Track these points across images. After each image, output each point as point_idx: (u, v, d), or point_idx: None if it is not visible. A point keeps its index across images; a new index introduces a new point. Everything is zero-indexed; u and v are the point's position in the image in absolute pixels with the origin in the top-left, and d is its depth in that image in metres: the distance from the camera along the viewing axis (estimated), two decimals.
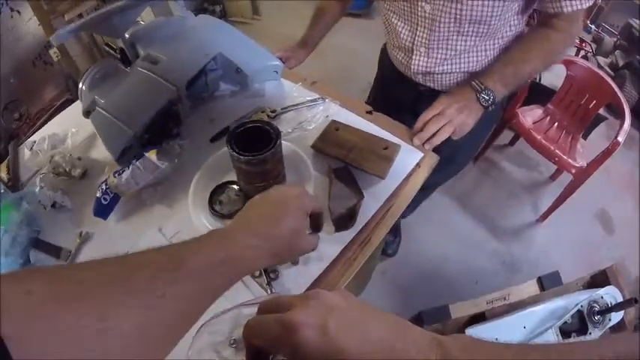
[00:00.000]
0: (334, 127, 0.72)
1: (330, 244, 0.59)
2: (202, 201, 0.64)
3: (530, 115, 1.49)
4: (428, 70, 0.79)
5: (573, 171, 1.36)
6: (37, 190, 0.81)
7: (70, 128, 0.92)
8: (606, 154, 1.27)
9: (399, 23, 0.78)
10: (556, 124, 1.50)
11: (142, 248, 0.60)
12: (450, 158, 0.83)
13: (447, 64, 0.78)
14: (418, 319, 0.68)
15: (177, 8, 0.88)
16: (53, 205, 0.79)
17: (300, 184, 0.51)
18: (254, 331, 0.27)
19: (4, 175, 0.90)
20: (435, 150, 0.72)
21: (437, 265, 1.41)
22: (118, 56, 0.83)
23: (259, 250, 0.35)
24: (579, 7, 0.64)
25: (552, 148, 1.37)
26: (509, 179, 1.69)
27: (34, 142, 0.98)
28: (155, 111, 0.69)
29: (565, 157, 1.37)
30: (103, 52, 1.72)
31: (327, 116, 0.76)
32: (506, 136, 1.72)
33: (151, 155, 0.66)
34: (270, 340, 0.26)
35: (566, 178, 1.47)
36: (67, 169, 0.84)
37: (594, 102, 1.41)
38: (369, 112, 0.78)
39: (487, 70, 0.73)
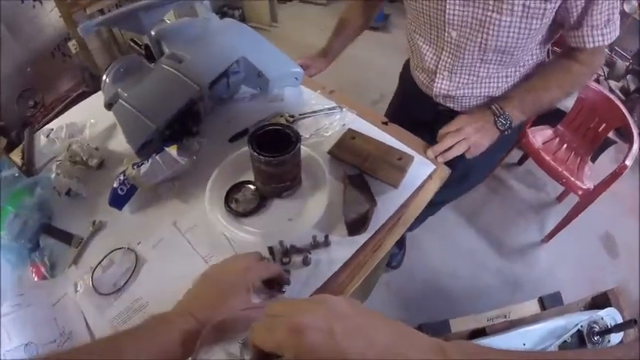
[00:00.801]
0: (351, 135, 0.75)
1: (342, 247, 0.61)
2: (219, 198, 0.67)
3: (540, 135, 1.52)
4: (449, 93, 0.82)
5: (580, 193, 1.38)
6: (53, 176, 0.83)
7: (88, 119, 0.95)
8: (613, 177, 1.29)
9: (424, 46, 0.80)
10: (565, 145, 1.52)
11: (155, 240, 0.66)
12: (463, 176, 0.85)
13: (469, 89, 0.80)
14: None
15: (202, 10, 0.91)
16: (68, 193, 0.81)
17: (255, 253, 0.53)
18: (261, 333, 0.28)
19: (18, 160, 0.92)
20: (449, 167, 0.74)
21: (440, 279, 1.43)
22: (143, 52, 0.86)
23: (196, 334, 0.40)
24: (602, 43, 0.66)
25: (560, 169, 1.40)
26: (517, 198, 1.71)
27: (52, 129, 1.01)
28: (178, 108, 0.72)
29: (572, 178, 1.39)
30: (121, 47, 1.77)
31: (343, 125, 0.78)
32: (515, 155, 1.75)
33: (172, 150, 0.69)
34: (276, 343, 0.26)
35: (572, 199, 1.49)
36: (85, 158, 0.87)
37: (604, 125, 1.43)
38: (385, 123, 0.81)
39: (507, 95, 0.75)
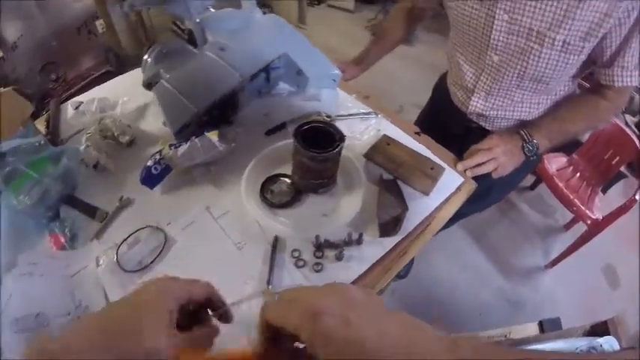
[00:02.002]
0: (386, 141, 0.77)
1: (373, 247, 0.63)
2: (254, 188, 0.69)
3: (555, 162, 1.55)
4: (483, 112, 0.86)
5: (589, 222, 1.41)
6: (82, 148, 0.83)
7: (120, 96, 0.96)
8: (622, 209, 1.33)
9: (464, 65, 0.84)
10: (578, 174, 1.56)
11: (186, 222, 0.62)
12: (485, 193, 0.87)
13: (502, 111, 0.84)
14: None
15: (246, 3, 0.94)
16: (95, 166, 0.81)
17: (166, 276, 0.36)
18: (276, 311, 0.28)
19: (42, 129, 0.93)
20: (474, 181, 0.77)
21: (444, 291, 1.45)
22: (185, 37, 0.88)
23: None
24: (630, 83, 0.70)
25: (572, 197, 1.43)
26: (525, 222, 1.75)
27: (81, 102, 1.02)
28: (220, 95, 0.74)
29: (583, 207, 1.42)
30: (147, 32, 1.80)
31: (378, 130, 0.81)
32: (529, 179, 1.79)
33: (212, 136, 0.71)
34: (292, 324, 0.26)
35: (578, 229, 1.53)
36: (116, 134, 0.87)
37: (617, 158, 1.47)
38: (417, 134, 0.84)
39: (536, 123, 0.79)
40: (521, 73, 0.74)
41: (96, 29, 1.79)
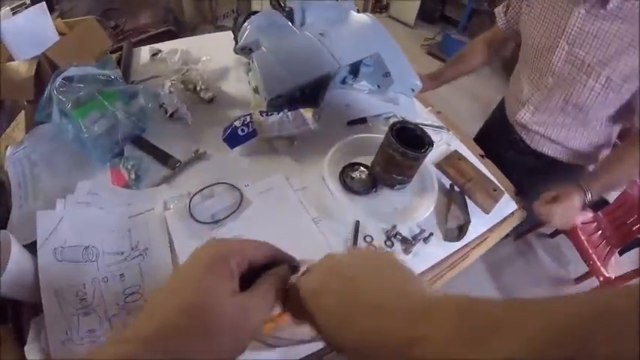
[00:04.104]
0: (457, 156, 0.85)
1: (438, 248, 0.70)
2: (335, 171, 0.76)
3: (581, 215, 1.64)
4: (527, 125, 0.96)
5: (602, 279, 1.49)
6: (164, 93, 0.86)
7: (202, 54, 1.01)
8: (636, 272, 1.42)
9: (525, 82, 0.95)
10: (600, 231, 1.65)
11: (264, 187, 0.73)
12: None
13: (542, 128, 0.94)
14: None
15: None
16: (172, 115, 0.85)
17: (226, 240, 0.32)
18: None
19: None
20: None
21: None
22: (284, 14, 0.92)
23: None
24: None
25: (591, 251, 1.52)
26: (539, 267, 1.83)
27: (159, 50, 1.08)
28: (317, 75, 0.80)
29: (599, 263, 1.50)
30: (212, 4, 1.86)
31: (449, 145, 0.89)
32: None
33: (306, 112, 0.77)
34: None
35: (588, 285, 1.62)
36: (198, 88, 0.92)
37: (639, 225, 1.56)
38: (482, 156, 0.92)
39: (595, 178, 0.79)
40: (567, 97, 0.85)
41: None
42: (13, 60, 0.82)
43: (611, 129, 0.92)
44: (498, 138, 1.05)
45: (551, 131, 0.94)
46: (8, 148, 0.80)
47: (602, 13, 0.74)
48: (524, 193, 0.87)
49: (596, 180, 0.79)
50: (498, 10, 1.01)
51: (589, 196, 0.76)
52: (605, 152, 0.96)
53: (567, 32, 0.80)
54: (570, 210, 0.75)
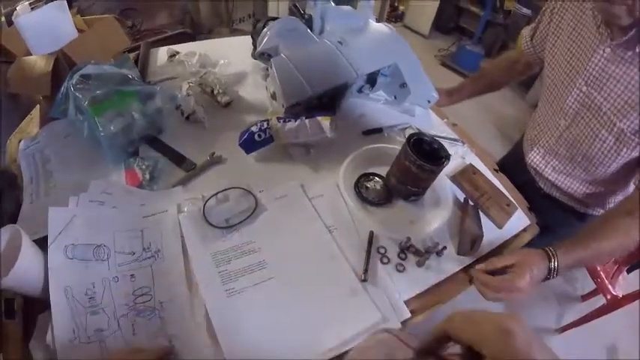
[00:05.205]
0: (472, 170, 0.85)
1: (450, 262, 0.71)
2: (350, 180, 0.77)
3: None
4: (537, 168, 0.91)
5: (608, 296, 1.49)
6: (182, 95, 0.87)
7: (220, 58, 1.02)
8: None
9: (539, 118, 0.90)
10: None
11: (279, 194, 0.73)
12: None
13: (551, 174, 0.89)
14: None
15: (364, 5, 1.02)
16: (188, 117, 0.86)
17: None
18: (465, 325, 0.31)
19: None
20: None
21: None
22: (303, 21, 0.93)
23: None
24: None
25: (599, 269, 1.52)
26: (547, 284, 1.79)
27: (177, 52, 1.09)
28: (335, 84, 0.81)
29: (606, 281, 1.50)
30: (228, 7, 1.88)
31: (463, 158, 0.89)
32: None
33: (324, 120, 0.77)
34: (480, 337, 0.30)
35: (594, 303, 1.61)
36: (215, 92, 0.92)
37: None
38: (496, 170, 0.92)
39: (568, 253, 0.64)
40: (577, 144, 0.79)
41: None
42: (30, 55, 0.83)
43: (623, 188, 0.84)
44: (514, 174, 0.95)
45: (561, 179, 0.87)
46: (22, 141, 0.81)
47: (630, 56, 0.66)
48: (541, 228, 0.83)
49: (571, 250, 0.64)
50: (525, 33, 0.94)
51: (554, 265, 0.62)
52: None
53: (587, 71, 0.72)
54: (522, 281, 0.60)
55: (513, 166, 1.00)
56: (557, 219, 0.91)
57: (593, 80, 0.72)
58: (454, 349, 0.34)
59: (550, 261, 0.63)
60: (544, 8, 0.86)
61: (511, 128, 2.55)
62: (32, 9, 0.88)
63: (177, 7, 1.93)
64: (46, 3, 0.89)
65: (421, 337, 0.35)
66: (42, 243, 0.57)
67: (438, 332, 0.33)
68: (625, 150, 0.72)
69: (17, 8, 0.89)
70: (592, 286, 1.63)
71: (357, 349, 0.45)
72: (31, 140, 0.81)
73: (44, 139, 0.82)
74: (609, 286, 1.50)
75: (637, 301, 1.46)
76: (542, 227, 0.84)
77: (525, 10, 2.76)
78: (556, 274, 0.64)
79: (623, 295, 1.48)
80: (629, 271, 1.64)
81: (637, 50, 0.64)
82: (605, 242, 0.65)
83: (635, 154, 0.72)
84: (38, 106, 0.90)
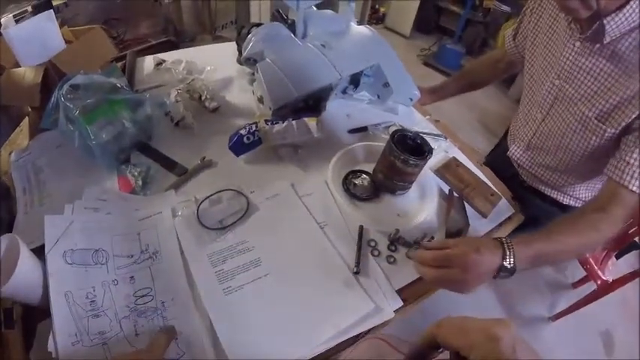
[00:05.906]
0: (455, 163, 0.89)
1: None
2: (338, 178, 0.80)
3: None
4: (518, 161, 0.96)
5: (599, 282, 1.54)
6: (170, 102, 0.89)
7: (205, 65, 1.05)
8: (633, 275, 1.47)
9: (520, 117, 0.94)
10: None
11: (270, 194, 0.75)
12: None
13: (532, 167, 0.93)
14: None
15: (346, 9, 1.06)
16: (177, 123, 0.88)
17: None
18: (453, 330, 0.34)
19: None
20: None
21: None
22: (286, 26, 0.96)
23: None
24: (623, 181, 0.65)
25: (588, 255, 1.57)
26: (539, 273, 1.88)
27: (164, 60, 1.11)
28: (320, 86, 0.85)
29: (596, 267, 1.56)
30: (211, 13, 1.91)
31: (446, 152, 0.93)
32: None
33: (310, 121, 0.80)
34: (468, 344, 0.32)
35: (585, 290, 1.67)
36: (203, 98, 0.95)
37: (635, 228, 1.62)
38: (480, 163, 0.96)
39: (528, 244, 0.60)
40: (552, 136, 0.84)
41: None
42: (19, 66, 0.85)
43: (593, 184, 0.88)
44: (500, 168, 0.97)
45: (541, 172, 0.91)
46: (12, 153, 0.82)
47: (598, 48, 0.69)
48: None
49: (530, 241, 0.60)
50: (508, 33, 0.98)
51: (509, 262, 0.57)
52: None
53: (560, 65, 0.76)
54: (463, 257, 0.55)
55: (499, 160, 1.03)
56: (541, 211, 0.95)
57: (565, 73, 0.76)
58: (443, 354, 0.36)
59: (504, 248, 0.57)
60: (525, 8, 0.90)
61: (494, 123, 2.62)
62: (17, 21, 0.89)
63: (159, 15, 1.95)
64: (32, 15, 0.91)
65: (410, 342, 0.38)
66: (38, 252, 0.58)
67: (427, 338, 0.36)
68: (594, 138, 0.75)
69: (1, 21, 0.90)
70: (582, 273, 1.68)
71: (348, 354, 0.47)
72: (22, 151, 0.83)
73: (35, 150, 0.83)
74: (599, 272, 1.55)
75: (629, 288, 1.51)
76: (527, 220, 0.87)
77: (504, 7, 2.85)
78: (513, 264, 0.57)
79: (613, 280, 1.53)
80: (617, 257, 1.70)
81: (604, 42, 0.67)
82: (573, 237, 0.63)
83: (603, 142, 0.74)
84: (27, 117, 0.91)
